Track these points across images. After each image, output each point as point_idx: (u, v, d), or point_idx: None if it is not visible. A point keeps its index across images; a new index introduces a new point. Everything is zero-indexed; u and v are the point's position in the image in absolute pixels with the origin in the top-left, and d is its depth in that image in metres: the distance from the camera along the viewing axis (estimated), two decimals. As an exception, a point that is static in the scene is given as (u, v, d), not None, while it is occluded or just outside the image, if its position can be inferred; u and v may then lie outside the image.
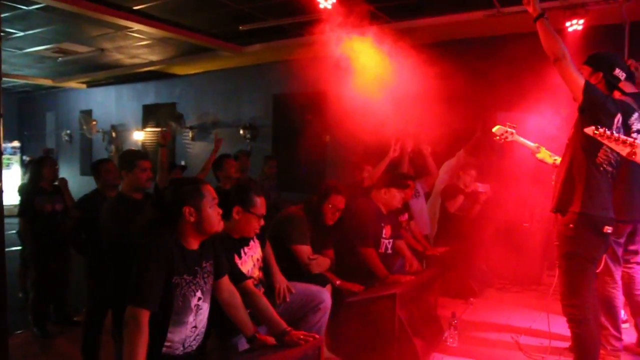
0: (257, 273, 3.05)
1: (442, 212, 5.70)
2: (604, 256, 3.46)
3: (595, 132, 2.43)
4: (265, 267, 3.20)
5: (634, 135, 3.30)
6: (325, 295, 3.26)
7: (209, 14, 7.06)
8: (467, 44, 6.94)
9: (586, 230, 2.85)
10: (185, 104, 10.77)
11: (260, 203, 2.96)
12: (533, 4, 2.86)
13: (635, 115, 3.26)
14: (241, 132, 9.54)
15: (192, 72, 10.42)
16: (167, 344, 2.26)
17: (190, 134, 10.56)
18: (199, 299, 2.37)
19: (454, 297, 5.05)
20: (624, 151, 2.40)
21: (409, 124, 6.94)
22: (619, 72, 2.92)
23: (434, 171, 6.03)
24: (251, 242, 3.07)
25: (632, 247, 3.69)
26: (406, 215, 5.22)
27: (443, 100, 6.85)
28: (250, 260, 3.00)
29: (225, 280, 2.57)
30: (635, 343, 3.84)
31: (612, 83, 2.92)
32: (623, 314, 4.18)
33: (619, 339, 3.58)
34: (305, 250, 3.64)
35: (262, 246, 3.22)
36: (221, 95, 10.19)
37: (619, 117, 2.88)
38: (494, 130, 4.14)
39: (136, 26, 7.23)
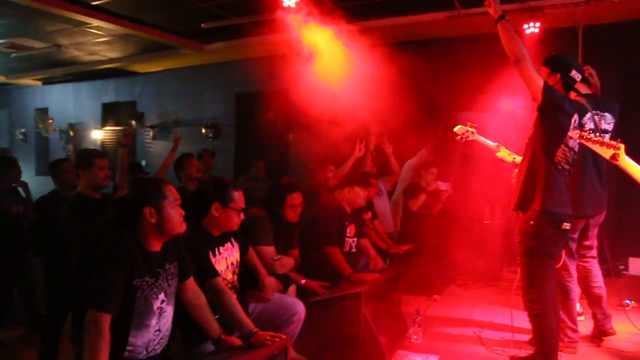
0: (230, 276, 2.99)
1: (405, 211, 5.77)
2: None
3: (582, 135, 2.51)
4: (243, 273, 3.16)
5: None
6: (299, 307, 3.23)
7: (170, 11, 6.95)
8: (428, 44, 7.04)
9: (546, 227, 2.93)
10: (146, 103, 10.57)
11: (238, 197, 2.94)
12: (494, 6, 2.92)
13: (588, 115, 3.46)
14: (203, 131, 9.42)
15: (153, 69, 10.23)
16: (129, 348, 2.21)
17: (151, 133, 10.36)
18: (162, 301, 2.32)
19: (418, 294, 5.10)
20: (607, 154, 2.47)
21: (371, 123, 7.00)
22: (575, 74, 3.02)
23: (397, 170, 6.11)
24: (227, 244, 3.02)
25: (586, 243, 3.86)
26: (370, 214, 5.26)
27: (405, 99, 6.94)
28: (224, 261, 2.95)
29: (190, 282, 2.52)
30: (591, 334, 3.98)
31: (569, 84, 3.02)
32: (579, 306, 4.33)
33: (575, 331, 3.72)
34: (268, 250, 3.61)
35: (243, 252, 3.17)
36: (183, 93, 10.03)
37: (575, 117, 2.97)
38: (455, 129, 4.21)
39: (95, 22, 7.05)
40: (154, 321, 2.28)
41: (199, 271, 2.62)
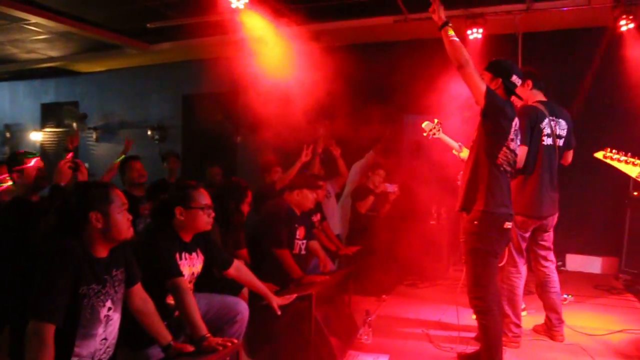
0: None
1: (353, 213, 5.83)
2: (511, 249, 3.76)
3: (607, 155, 2.62)
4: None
5: (545, 138, 3.71)
6: (241, 306, 3.21)
7: (114, 10, 6.75)
8: (377, 48, 7.15)
9: (489, 226, 3.03)
10: (88, 103, 10.21)
11: (199, 195, 2.94)
12: (438, 13, 3.00)
13: (546, 120, 3.70)
14: (149, 132, 9.21)
15: (97, 69, 9.90)
16: (74, 359, 2.13)
17: (94, 135, 10.03)
18: (109, 309, 2.26)
19: (367, 294, 5.16)
20: (634, 172, 2.60)
21: (319, 125, 7.05)
22: (515, 79, 3.12)
23: (344, 172, 6.18)
24: (194, 254, 3.00)
25: (545, 243, 4.05)
26: (319, 216, 5.29)
27: (353, 101, 7.04)
28: (187, 268, 2.92)
29: (138, 288, 2.47)
30: (535, 327, 4.19)
31: (510, 89, 3.12)
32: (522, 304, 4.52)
33: (519, 326, 3.88)
34: None
35: (223, 267, 3.17)
36: (128, 94, 9.76)
37: (516, 121, 3.10)
38: (422, 125, 4.24)
39: (33, 19, 6.76)
40: (100, 330, 2.22)
41: (163, 269, 2.61)
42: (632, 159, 2.68)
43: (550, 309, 4.03)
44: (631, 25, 5.76)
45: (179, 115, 9.25)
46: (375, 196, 5.78)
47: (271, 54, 6.90)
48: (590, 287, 5.73)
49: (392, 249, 5.80)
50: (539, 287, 4.10)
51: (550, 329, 4.02)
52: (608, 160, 2.69)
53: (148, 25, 7.12)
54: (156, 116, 9.36)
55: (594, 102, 6.39)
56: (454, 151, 4.26)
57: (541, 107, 3.82)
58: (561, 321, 4.01)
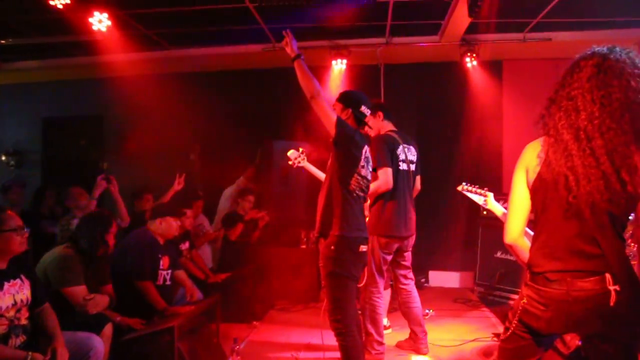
0: (12, 313, 2.74)
1: (224, 240, 5.78)
2: (372, 270, 3.99)
3: (463, 188, 3.05)
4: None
5: (401, 163, 4.08)
6: (94, 341, 3.05)
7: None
8: (247, 75, 7.16)
9: (345, 250, 3.15)
10: None
11: (8, 218, 2.82)
12: (290, 46, 3.12)
13: (400, 147, 4.09)
14: (3, 158, 8.44)
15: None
16: None
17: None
18: None
19: (238, 322, 5.11)
20: (480, 200, 2.87)
21: (190, 151, 6.95)
22: (364, 109, 3.31)
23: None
24: (18, 280, 2.81)
25: (405, 263, 4.36)
26: (187, 244, 5.17)
27: (223, 127, 7.03)
28: (8, 297, 2.71)
29: None
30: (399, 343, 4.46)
31: (359, 118, 3.30)
32: (386, 320, 4.75)
33: (382, 344, 4.09)
34: (79, 291, 3.39)
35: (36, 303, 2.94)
36: (-23, 116, 8.88)
37: (366, 149, 3.27)
38: (288, 154, 4.33)
39: None
40: None
41: None
42: (480, 190, 3.02)
43: (414, 323, 4.31)
44: (474, 63, 6.40)
45: (39, 140, 8.57)
46: (244, 223, 5.78)
47: (138, 78, 6.72)
48: (450, 301, 6.16)
49: (263, 275, 5.82)
50: (402, 304, 4.37)
51: (415, 342, 4.29)
52: (465, 192, 3.03)
53: (2, 41, 6.58)
54: (11, 140, 8.56)
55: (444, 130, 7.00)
56: None
57: (395, 135, 4.17)
58: (425, 333, 4.31)
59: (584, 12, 5.64)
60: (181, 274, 4.48)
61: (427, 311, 5.44)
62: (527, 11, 5.65)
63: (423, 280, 6.92)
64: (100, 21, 5.18)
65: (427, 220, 5.73)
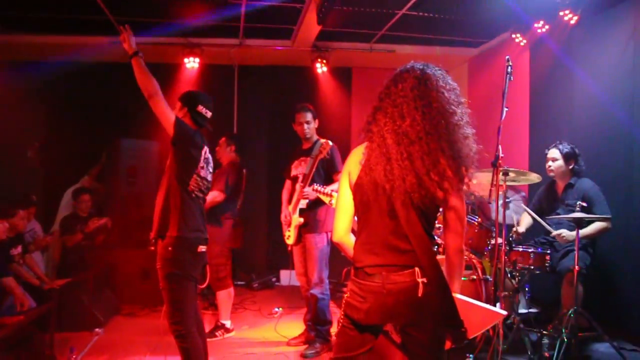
0: None
1: (62, 245, 5.41)
2: (322, 266, 4.30)
3: (316, 189, 3.32)
4: None
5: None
6: None
7: None
8: (94, 67, 6.72)
9: (183, 251, 3.14)
10: None
11: None
12: (129, 42, 3.03)
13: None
14: None
15: None
16: None
17: None
18: None
19: (78, 330, 4.82)
20: (327, 200, 2.96)
21: (28, 148, 6.42)
22: (202, 109, 3.29)
23: None
24: None
25: None
26: (19, 248, 4.77)
27: (67, 123, 6.58)
28: None
29: None
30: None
31: (196, 119, 3.29)
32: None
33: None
34: None
35: None
36: None
37: (205, 149, 3.28)
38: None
39: None
40: None
41: None
42: (327, 191, 3.25)
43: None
44: (325, 68, 6.68)
45: None
46: (83, 233, 5.45)
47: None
48: (298, 299, 6.34)
49: (108, 279, 5.55)
50: None
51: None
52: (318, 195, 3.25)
53: None
54: None
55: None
56: None
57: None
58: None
59: (426, 29, 6.16)
60: (9, 281, 4.14)
61: (275, 309, 5.59)
62: (374, 23, 6.03)
63: (274, 279, 7.08)
64: None
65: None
